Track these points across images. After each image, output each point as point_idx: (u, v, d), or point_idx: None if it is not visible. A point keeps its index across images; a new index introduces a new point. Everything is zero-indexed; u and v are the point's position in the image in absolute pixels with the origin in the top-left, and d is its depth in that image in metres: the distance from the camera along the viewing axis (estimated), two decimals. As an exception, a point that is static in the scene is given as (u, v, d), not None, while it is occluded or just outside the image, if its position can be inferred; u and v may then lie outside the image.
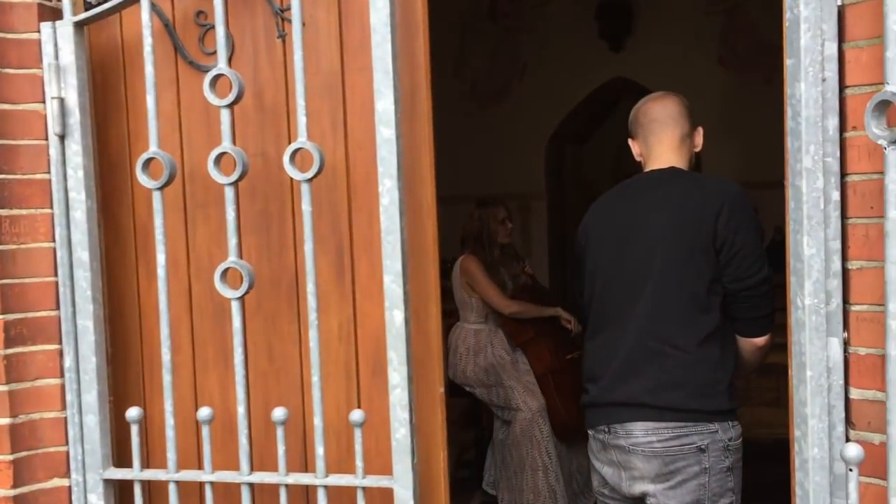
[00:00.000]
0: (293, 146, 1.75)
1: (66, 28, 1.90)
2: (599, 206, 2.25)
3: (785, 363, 1.59)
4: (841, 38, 1.50)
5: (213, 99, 1.77)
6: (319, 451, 1.78)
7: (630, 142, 2.28)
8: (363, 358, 1.92)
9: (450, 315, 4.45)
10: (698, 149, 2.24)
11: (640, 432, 2.01)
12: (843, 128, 1.51)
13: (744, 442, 2.11)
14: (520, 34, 7.60)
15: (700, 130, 2.24)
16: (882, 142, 1.32)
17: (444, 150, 7.59)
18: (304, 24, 1.80)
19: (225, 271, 1.80)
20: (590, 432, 2.18)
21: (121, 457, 2.02)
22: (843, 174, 1.52)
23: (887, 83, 1.32)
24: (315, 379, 1.76)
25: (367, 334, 1.91)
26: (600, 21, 7.21)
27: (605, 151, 9.85)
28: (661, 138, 2.19)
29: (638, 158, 2.27)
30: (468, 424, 4.67)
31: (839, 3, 1.49)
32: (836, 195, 1.50)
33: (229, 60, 1.91)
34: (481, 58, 7.67)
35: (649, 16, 7.23)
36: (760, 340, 2.08)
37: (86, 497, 1.94)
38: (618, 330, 2.09)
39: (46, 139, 1.92)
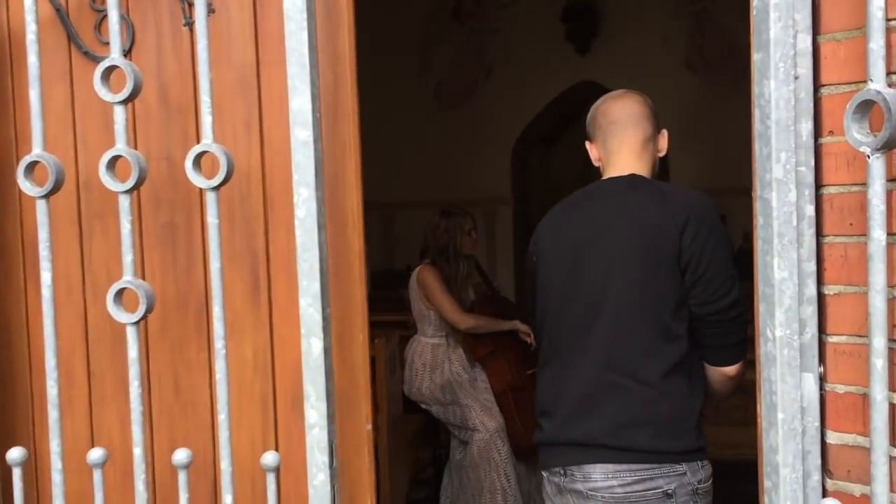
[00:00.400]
0: (197, 149, 1.52)
1: (-62, 13, 1.66)
2: (552, 218, 2.04)
3: (753, 379, 1.41)
4: (816, 30, 1.31)
5: (104, 94, 1.54)
6: (227, 499, 1.55)
7: (587, 145, 2.08)
8: (281, 390, 1.70)
9: (411, 328, 4.24)
10: (662, 153, 2.04)
11: (600, 476, 1.80)
12: (818, 133, 1.32)
13: (711, 462, 1.91)
14: (485, 35, 7.41)
15: (665, 133, 2.04)
16: (865, 149, 1.13)
17: (405, 152, 7.39)
18: (212, 11, 1.58)
19: (120, 292, 1.57)
20: (543, 473, 1.97)
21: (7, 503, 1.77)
22: (819, 186, 1.33)
23: (870, 80, 1.12)
24: (222, 417, 1.53)
25: (287, 364, 1.69)
26: (566, 23, 7.05)
27: (573, 156, 9.68)
28: (622, 141, 1.98)
29: (596, 163, 2.07)
30: (425, 441, 4.45)
31: (814, -11, 1.30)
32: (810, 210, 1.31)
33: (129, 51, 1.68)
34: (445, 58, 7.47)
35: (616, 18, 7.08)
36: (731, 370, 1.88)
37: (-37, 550, 1.69)
38: (572, 359, 1.88)
39: (-84, 140, 1.68)
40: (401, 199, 7.60)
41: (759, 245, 1.32)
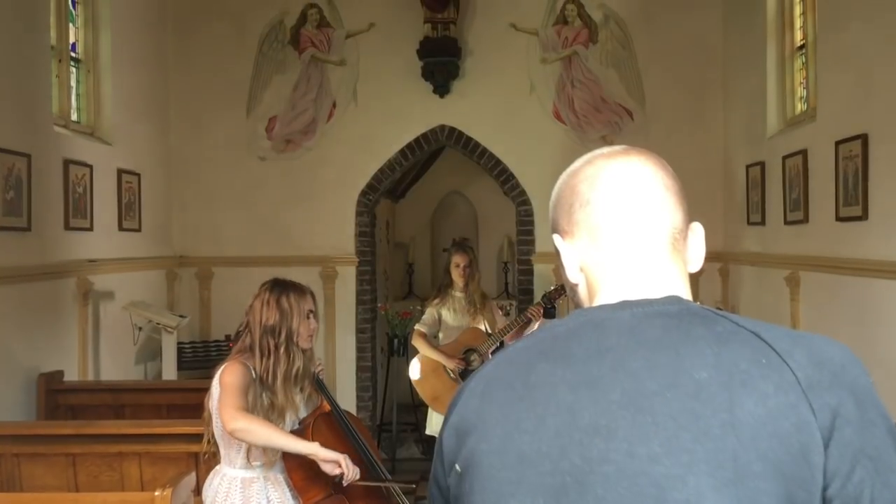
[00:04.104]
0: None
1: None
2: (498, 384, 0.92)
3: None
4: None
5: None
6: None
7: (557, 242, 1.01)
8: None
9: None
10: (696, 267, 1.00)
11: None
12: None
13: None
14: (328, 66, 6.32)
15: (698, 230, 1.02)
16: None
17: (227, 199, 6.05)
18: None
19: None
20: None
21: None
22: None
23: None
24: None
25: None
26: (424, 59, 6.12)
27: (424, 210, 8.74)
28: (639, 236, 0.95)
29: (573, 279, 1.00)
30: None
31: None
32: None
33: None
34: (281, 91, 6.30)
35: (479, 58, 6.24)
36: None
37: None
38: None
39: None
40: (220, 255, 6.27)
41: None
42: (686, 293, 0.94)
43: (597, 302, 0.96)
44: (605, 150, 1.03)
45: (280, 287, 2.83)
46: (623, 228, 0.95)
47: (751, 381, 0.81)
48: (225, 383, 2.66)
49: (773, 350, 0.83)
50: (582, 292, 1.00)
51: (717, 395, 0.81)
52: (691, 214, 1.02)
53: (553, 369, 0.88)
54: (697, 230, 1.01)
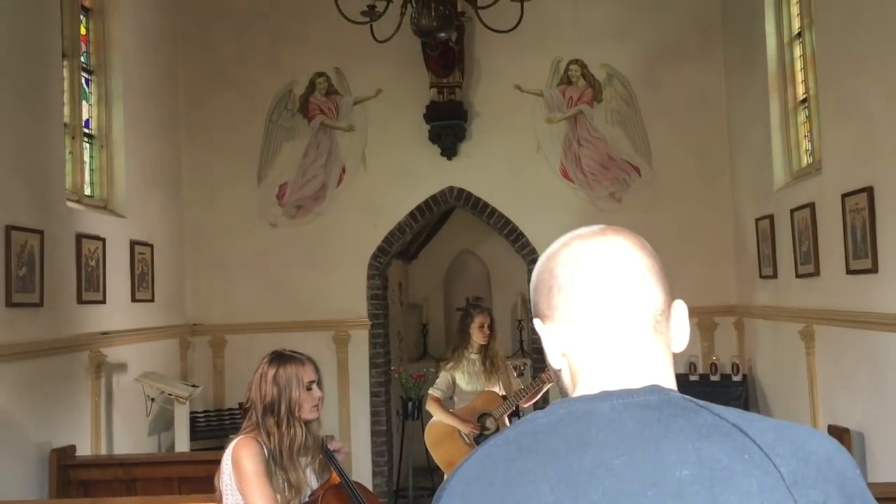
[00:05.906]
0: None
1: None
2: (478, 487, 0.90)
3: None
4: None
5: None
6: None
7: (538, 326, 1.01)
8: None
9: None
10: (680, 347, 0.99)
11: None
12: None
13: None
14: (337, 132, 6.42)
15: (681, 307, 1.00)
16: None
17: (239, 266, 6.01)
18: None
19: None
20: None
21: None
22: None
23: None
24: None
25: None
26: (431, 123, 6.21)
27: (437, 270, 8.76)
28: (619, 319, 0.94)
29: (556, 364, 1.00)
30: None
31: None
32: None
33: None
34: (291, 158, 6.40)
35: (485, 120, 6.32)
36: None
37: None
38: None
39: None
40: (234, 322, 6.29)
41: None
42: (668, 378, 0.93)
43: (578, 389, 0.95)
44: (583, 230, 1.02)
45: (278, 360, 2.78)
46: (602, 313, 0.94)
47: (733, 479, 0.80)
48: (249, 473, 2.63)
49: (756, 444, 0.82)
50: (565, 378, 0.99)
51: (699, 495, 0.79)
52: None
53: (533, 467, 0.86)
54: (680, 308, 1.00)
